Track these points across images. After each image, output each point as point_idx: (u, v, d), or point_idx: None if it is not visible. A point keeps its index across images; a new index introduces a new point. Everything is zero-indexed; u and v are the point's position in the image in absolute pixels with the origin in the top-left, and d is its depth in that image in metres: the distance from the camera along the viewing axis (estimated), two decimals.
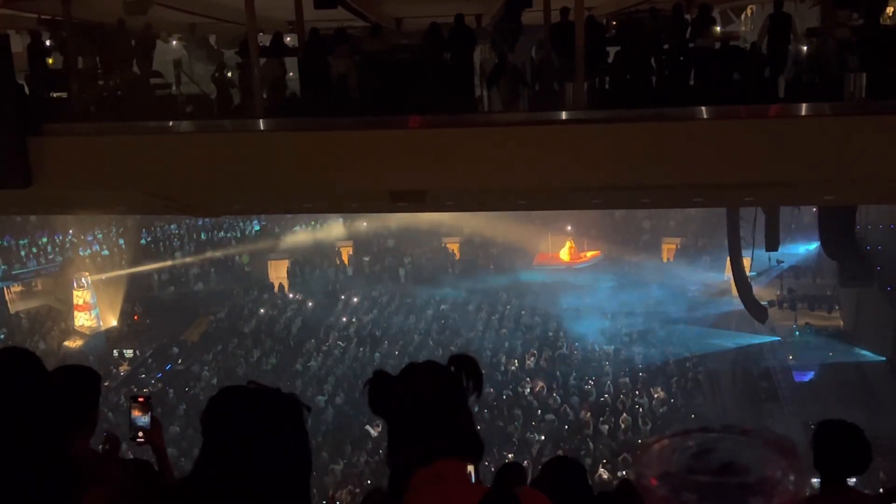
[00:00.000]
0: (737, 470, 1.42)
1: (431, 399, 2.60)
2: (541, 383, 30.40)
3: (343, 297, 41.40)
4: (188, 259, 43.84)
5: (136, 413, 4.13)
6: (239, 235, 46.32)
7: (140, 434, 4.13)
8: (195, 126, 13.44)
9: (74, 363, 4.09)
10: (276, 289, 42.57)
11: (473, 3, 17.18)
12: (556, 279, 41.68)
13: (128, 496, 3.53)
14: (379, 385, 2.67)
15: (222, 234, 45.91)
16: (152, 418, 4.16)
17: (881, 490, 5.53)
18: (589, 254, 44.12)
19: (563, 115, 12.62)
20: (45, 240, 40.43)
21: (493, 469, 22.77)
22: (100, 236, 41.98)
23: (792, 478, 1.43)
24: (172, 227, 44.57)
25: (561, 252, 44.04)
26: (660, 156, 11.73)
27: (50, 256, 40.23)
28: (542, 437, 26.65)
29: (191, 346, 37.06)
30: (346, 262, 45.42)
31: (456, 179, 12.61)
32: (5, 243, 39.15)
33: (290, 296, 42.08)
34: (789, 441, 1.51)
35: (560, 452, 24.35)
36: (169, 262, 43.27)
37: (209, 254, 44.12)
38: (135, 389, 31.45)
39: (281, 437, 2.56)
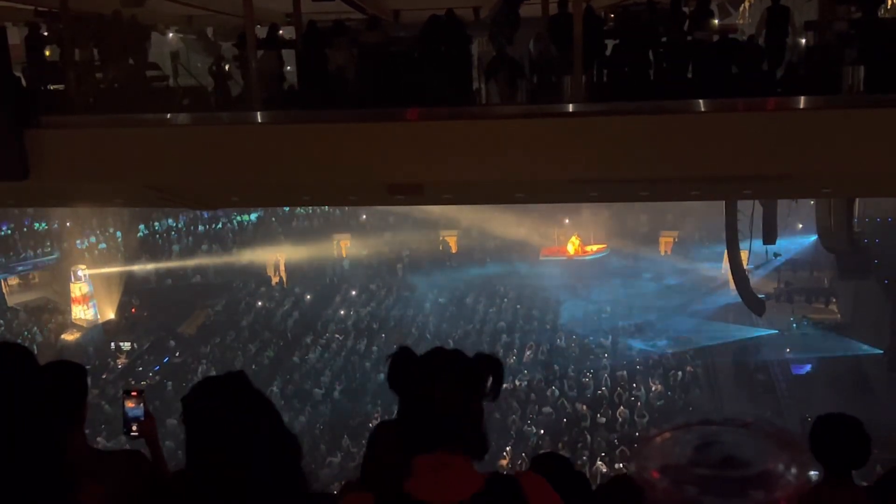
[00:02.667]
0: (738, 463, 1.42)
1: (451, 391, 2.59)
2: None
3: (341, 289, 41.40)
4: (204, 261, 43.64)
5: (129, 405, 4.18)
6: (236, 228, 46.28)
7: (134, 427, 4.19)
8: (192, 119, 13.40)
9: (69, 357, 4.12)
10: (273, 282, 42.55)
11: None
12: (553, 272, 41.69)
13: (123, 489, 3.54)
14: (401, 361, 2.67)
15: (219, 226, 45.83)
16: (145, 411, 4.21)
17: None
18: (595, 247, 44.10)
19: (561, 108, 12.60)
20: (42, 225, 40.29)
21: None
22: (97, 229, 41.89)
23: (793, 471, 1.43)
24: (169, 220, 44.52)
25: (567, 245, 44.02)
26: (658, 149, 11.71)
27: (47, 249, 40.16)
28: (541, 431, 26.67)
29: (188, 338, 37.05)
30: (344, 254, 45.40)
31: (454, 172, 12.58)
32: (3, 232, 39.10)
33: (288, 288, 42.07)
34: (790, 434, 1.51)
35: (560, 446, 24.40)
36: (184, 262, 43.19)
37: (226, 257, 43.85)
38: (132, 383, 31.48)
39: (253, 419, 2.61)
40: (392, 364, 2.66)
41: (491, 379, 2.65)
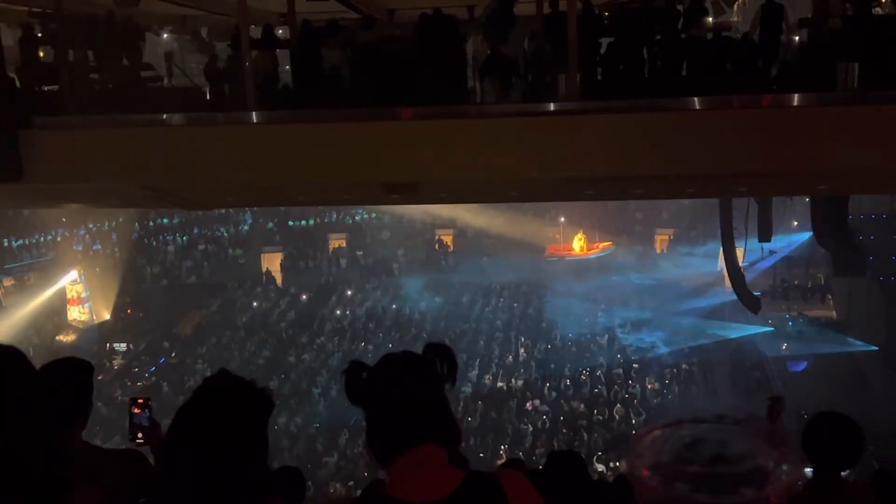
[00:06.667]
0: (729, 460, 1.42)
1: (407, 388, 2.65)
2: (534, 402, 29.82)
3: (337, 289, 41.37)
4: None
5: (135, 412, 4.30)
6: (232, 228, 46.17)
7: (140, 435, 4.30)
8: (187, 119, 13.38)
9: (68, 356, 4.14)
10: (270, 280, 42.53)
11: None
12: (549, 270, 41.70)
13: (120, 489, 3.54)
14: (355, 375, 2.70)
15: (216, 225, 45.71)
16: (151, 419, 4.28)
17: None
18: (601, 245, 44.08)
19: (556, 106, 12.60)
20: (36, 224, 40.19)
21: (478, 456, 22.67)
22: (94, 229, 41.80)
23: (784, 467, 1.43)
24: (164, 220, 44.43)
25: (573, 243, 43.98)
26: (653, 146, 11.71)
27: (42, 250, 40.05)
28: (537, 429, 26.68)
29: (184, 339, 37.00)
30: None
31: (449, 171, 12.58)
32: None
33: (284, 288, 42.03)
34: (782, 431, 1.51)
35: (557, 445, 24.40)
36: None
37: None
38: (128, 383, 31.49)
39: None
40: (347, 379, 2.70)
41: (444, 365, 2.72)
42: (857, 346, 32.26)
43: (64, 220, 40.21)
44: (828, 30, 13.21)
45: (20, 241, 39.42)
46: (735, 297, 31.72)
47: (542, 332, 35.64)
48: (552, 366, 31.80)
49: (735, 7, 20.93)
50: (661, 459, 1.48)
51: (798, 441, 4.29)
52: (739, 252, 31.18)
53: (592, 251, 43.73)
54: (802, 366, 32.49)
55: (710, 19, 16.53)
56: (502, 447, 25.06)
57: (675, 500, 1.41)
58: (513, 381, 30.59)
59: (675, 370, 31.28)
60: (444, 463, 2.62)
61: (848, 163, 11.89)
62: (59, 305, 38.66)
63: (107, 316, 39.17)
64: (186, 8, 18.57)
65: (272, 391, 2.74)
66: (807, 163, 12.08)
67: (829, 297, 36.73)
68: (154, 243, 44.10)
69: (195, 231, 45.13)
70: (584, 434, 25.94)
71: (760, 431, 1.52)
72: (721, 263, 34.52)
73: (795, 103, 11.88)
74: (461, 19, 15.78)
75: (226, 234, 45.59)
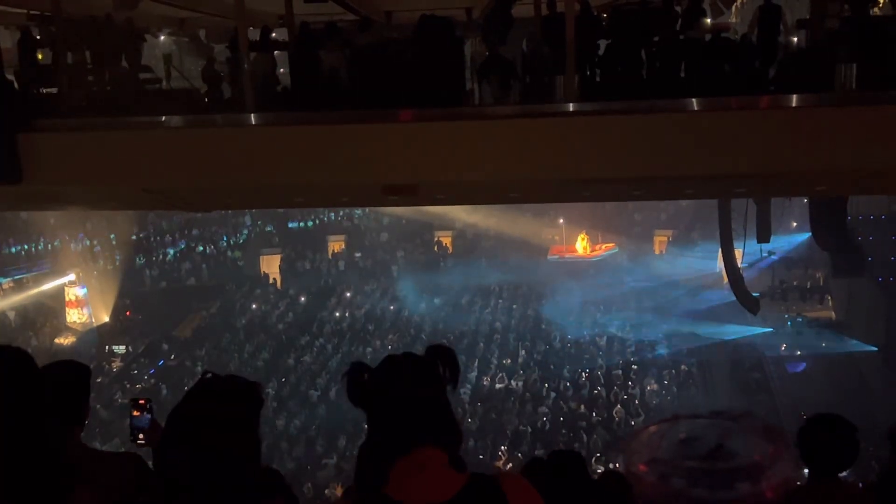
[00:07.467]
0: (725, 455, 1.43)
1: (409, 390, 2.65)
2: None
3: (336, 291, 41.38)
4: None
5: (135, 414, 4.28)
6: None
7: (140, 436, 4.28)
8: (186, 121, 13.39)
9: (65, 359, 4.15)
10: (269, 282, 42.56)
11: None
12: (547, 271, 41.72)
13: (118, 491, 3.54)
14: (357, 377, 2.71)
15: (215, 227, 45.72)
16: (152, 420, 4.28)
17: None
18: (605, 246, 44.12)
19: (554, 108, 12.60)
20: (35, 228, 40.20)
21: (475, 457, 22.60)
22: (92, 231, 41.77)
23: (780, 464, 1.44)
24: (163, 222, 44.42)
25: (576, 244, 44.00)
26: (651, 148, 11.71)
27: (41, 253, 40.04)
28: (536, 430, 26.67)
29: (183, 341, 36.99)
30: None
31: (447, 172, 12.58)
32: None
33: (283, 290, 42.03)
34: (778, 428, 1.51)
35: (561, 445, 24.37)
36: None
37: None
38: (127, 386, 31.47)
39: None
40: (349, 381, 2.70)
41: (446, 368, 2.73)
42: (857, 346, 32.29)
43: (63, 222, 40.20)
44: (826, 31, 13.22)
45: (18, 246, 39.44)
46: (734, 297, 31.76)
47: (542, 333, 35.66)
48: (552, 367, 31.80)
49: (733, 8, 20.97)
50: (658, 455, 1.49)
51: (793, 439, 4.30)
52: (738, 253, 31.20)
53: (596, 252, 43.77)
54: (802, 366, 32.52)
55: (708, 20, 16.54)
56: (502, 448, 25.04)
57: (672, 495, 1.42)
58: (512, 382, 30.58)
59: (674, 371, 31.28)
60: (444, 465, 2.62)
61: (847, 163, 11.90)
62: (57, 308, 38.65)
63: (106, 318, 39.16)
64: (185, 10, 18.59)
65: (261, 385, 2.76)
66: (805, 163, 12.07)
67: (829, 297, 36.75)
68: (153, 245, 44.09)
69: (194, 233, 45.13)
70: (584, 435, 25.92)
71: (756, 428, 1.53)
72: (720, 264, 34.56)
73: (794, 104, 11.88)
74: (459, 21, 15.78)
75: (225, 236, 45.59)
